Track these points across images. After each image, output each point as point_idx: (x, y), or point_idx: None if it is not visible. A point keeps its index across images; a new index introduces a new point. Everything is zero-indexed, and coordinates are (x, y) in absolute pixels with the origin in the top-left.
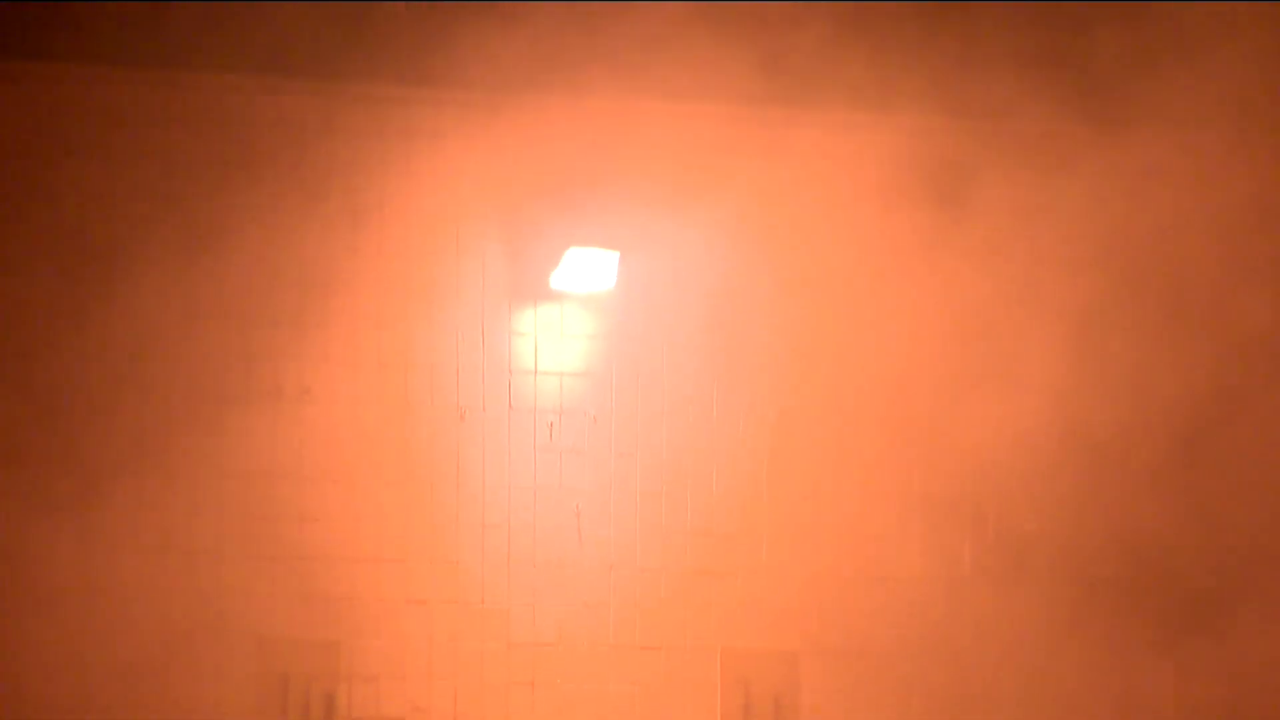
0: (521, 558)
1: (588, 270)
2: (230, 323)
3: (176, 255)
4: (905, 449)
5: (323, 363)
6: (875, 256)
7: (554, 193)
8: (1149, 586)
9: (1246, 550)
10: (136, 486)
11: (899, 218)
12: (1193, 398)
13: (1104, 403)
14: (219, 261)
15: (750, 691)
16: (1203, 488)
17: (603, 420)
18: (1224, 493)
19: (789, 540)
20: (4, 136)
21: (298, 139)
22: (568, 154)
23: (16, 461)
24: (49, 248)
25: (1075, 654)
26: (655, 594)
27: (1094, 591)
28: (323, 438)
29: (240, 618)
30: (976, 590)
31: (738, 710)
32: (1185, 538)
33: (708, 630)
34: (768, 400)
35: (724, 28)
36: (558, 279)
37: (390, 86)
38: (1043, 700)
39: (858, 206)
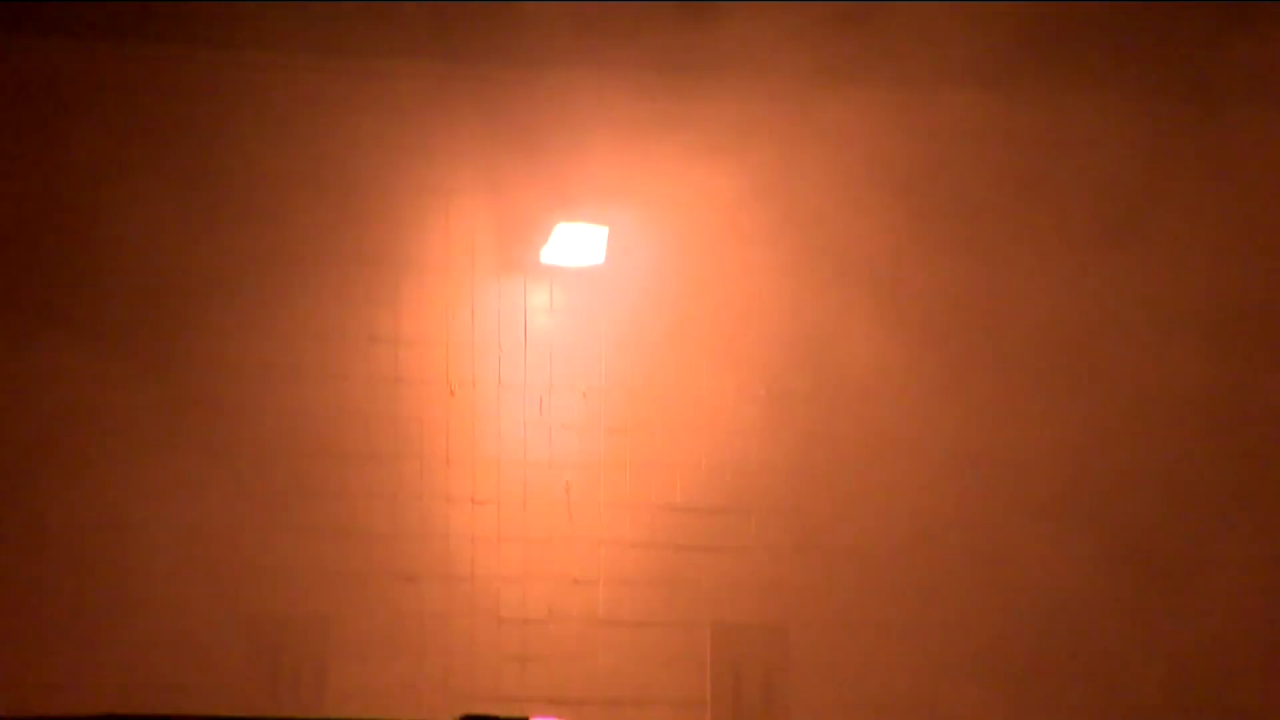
0: (511, 533)
1: (577, 245)
2: (219, 299)
3: (166, 231)
4: (893, 427)
5: (312, 339)
6: (865, 236)
7: (543, 168)
8: (1136, 570)
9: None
10: (127, 465)
11: (891, 198)
12: (1198, 394)
13: (1098, 388)
14: (207, 237)
15: (740, 666)
16: (1195, 475)
17: (592, 396)
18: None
19: (778, 515)
20: (10, 112)
21: (286, 113)
22: (557, 129)
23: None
24: (47, 225)
25: (1060, 631)
26: (645, 569)
27: (1079, 568)
28: (312, 414)
29: (231, 593)
30: (963, 566)
31: (727, 684)
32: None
33: (697, 605)
34: (757, 376)
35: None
36: (547, 254)
37: (379, 60)
38: (1029, 672)
39: (851, 186)
